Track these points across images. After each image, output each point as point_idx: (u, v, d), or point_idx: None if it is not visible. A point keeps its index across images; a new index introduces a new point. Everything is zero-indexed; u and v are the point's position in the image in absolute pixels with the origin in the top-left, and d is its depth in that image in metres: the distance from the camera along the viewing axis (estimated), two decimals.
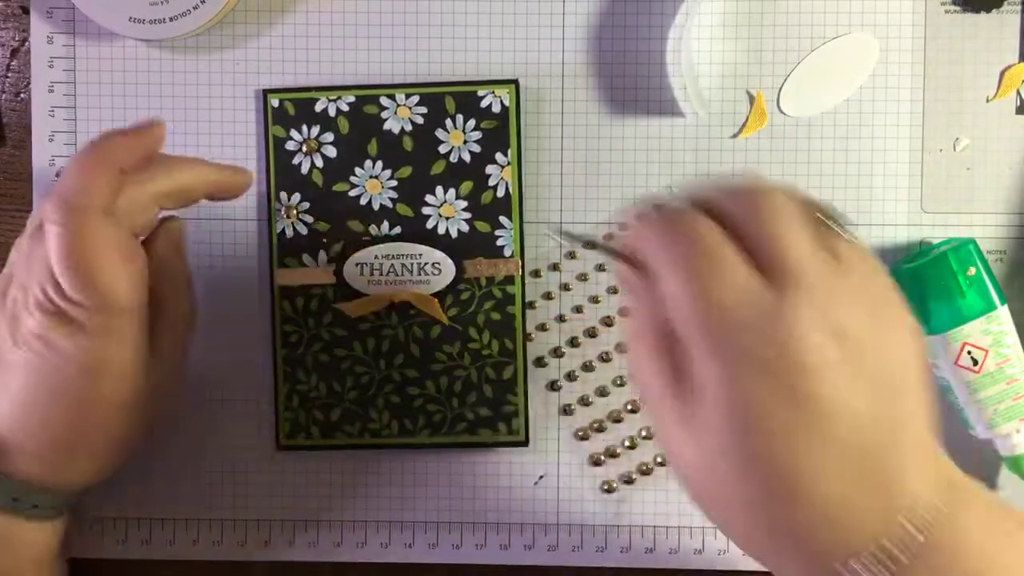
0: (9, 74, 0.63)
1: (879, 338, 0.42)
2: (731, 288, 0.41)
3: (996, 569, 0.42)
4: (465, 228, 0.62)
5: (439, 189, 0.62)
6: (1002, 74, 0.62)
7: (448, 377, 0.62)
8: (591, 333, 0.63)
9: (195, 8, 0.59)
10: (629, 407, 0.63)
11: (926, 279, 0.58)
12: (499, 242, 0.62)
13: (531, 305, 0.63)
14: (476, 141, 0.62)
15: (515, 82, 0.61)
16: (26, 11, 0.63)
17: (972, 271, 0.58)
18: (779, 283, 0.41)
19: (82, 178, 0.50)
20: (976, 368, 0.58)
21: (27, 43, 0.63)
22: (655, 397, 0.45)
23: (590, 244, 0.53)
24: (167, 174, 0.55)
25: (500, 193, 0.62)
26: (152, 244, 0.56)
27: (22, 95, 0.63)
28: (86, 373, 0.52)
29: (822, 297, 0.41)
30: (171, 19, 0.59)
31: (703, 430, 0.42)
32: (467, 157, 0.62)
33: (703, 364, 0.42)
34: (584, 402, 0.63)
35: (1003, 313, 0.58)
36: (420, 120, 0.62)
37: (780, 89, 0.62)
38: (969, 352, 0.58)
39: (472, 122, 0.62)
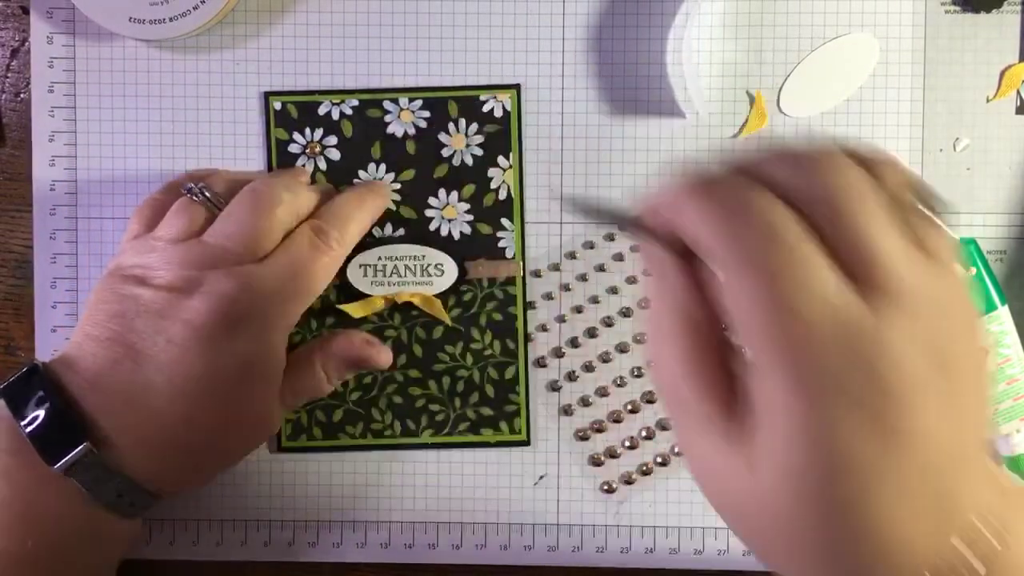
0: (9, 74, 0.63)
1: (966, 355, 0.37)
2: (817, 298, 0.35)
3: None
4: (467, 230, 0.62)
5: (441, 192, 0.62)
6: (1002, 74, 0.62)
7: (450, 377, 0.62)
8: (591, 333, 0.63)
9: (195, 8, 0.59)
10: (629, 407, 0.63)
11: None
12: (501, 243, 0.62)
13: (531, 305, 0.63)
14: (478, 145, 0.62)
15: (517, 87, 0.62)
16: (26, 11, 0.62)
17: (972, 271, 0.58)
18: (869, 294, 0.35)
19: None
20: None
21: (27, 43, 0.63)
22: (692, 411, 0.38)
23: (607, 218, 0.41)
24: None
25: (502, 196, 0.62)
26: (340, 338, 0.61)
27: (22, 95, 0.63)
28: (248, 375, 0.54)
29: (918, 312, 0.35)
30: (171, 19, 0.59)
31: (764, 461, 0.36)
32: (469, 160, 0.62)
33: (774, 386, 0.35)
34: (584, 402, 0.63)
35: (1003, 313, 0.58)
36: (423, 124, 0.62)
37: (780, 89, 0.62)
38: None
39: (474, 126, 0.62)
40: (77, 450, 0.51)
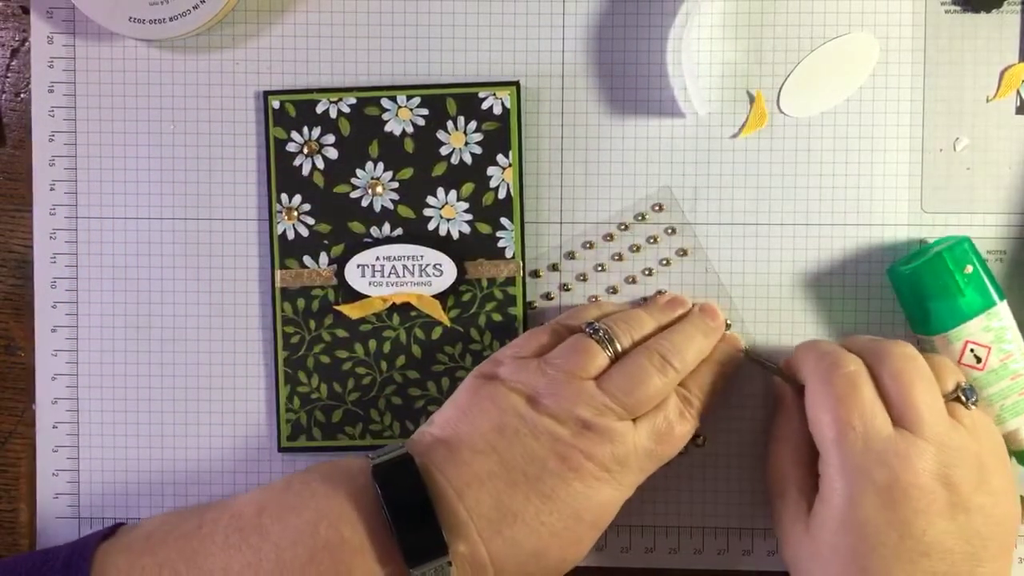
0: (9, 74, 0.63)
1: (981, 495, 0.53)
2: (867, 419, 0.53)
3: None
4: (466, 229, 0.62)
5: (440, 191, 0.62)
6: (1002, 74, 0.62)
7: (450, 378, 0.62)
8: None
9: (195, 8, 0.59)
10: None
11: (924, 280, 0.58)
12: (500, 243, 0.62)
13: (531, 306, 0.63)
14: (477, 143, 0.62)
15: (516, 84, 0.61)
16: (26, 11, 0.63)
17: (969, 269, 0.58)
18: (904, 431, 0.53)
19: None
20: (980, 366, 0.58)
21: (27, 43, 0.63)
22: (784, 494, 0.57)
23: (767, 368, 0.61)
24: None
25: (501, 194, 0.62)
26: None
27: (22, 95, 0.63)
28: (601, 520, 0.56)
29: (940, 450, 0.52)
30: (171, 19, 0.59)
31: (819, 528, 0.54)
32: (468, 159, 0.62)
33: (833, 476, 0.53)
34: None
35: (1003, 309, 0.58)
36: (421, 122, 0.62)
37: (780, 89, 0.62)
38: (972, 350, 0.58)
39: (473, 124, 0.62)
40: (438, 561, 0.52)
